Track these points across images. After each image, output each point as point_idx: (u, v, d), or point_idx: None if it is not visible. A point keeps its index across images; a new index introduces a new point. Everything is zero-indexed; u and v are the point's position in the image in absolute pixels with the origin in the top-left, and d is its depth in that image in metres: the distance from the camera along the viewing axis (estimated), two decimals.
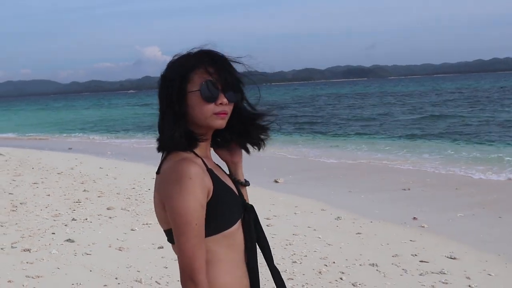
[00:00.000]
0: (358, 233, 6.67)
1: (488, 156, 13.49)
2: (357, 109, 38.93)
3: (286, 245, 6.09)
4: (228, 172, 1.76)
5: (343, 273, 5.13)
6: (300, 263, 5.42)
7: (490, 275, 5.09)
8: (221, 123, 1.57)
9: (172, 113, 1.55)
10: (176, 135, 1.54)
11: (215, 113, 1.55)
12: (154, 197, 1.60)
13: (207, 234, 1.52)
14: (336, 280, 4.95)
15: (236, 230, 1.60)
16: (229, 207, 1.57)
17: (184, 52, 1.60)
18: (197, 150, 1.58)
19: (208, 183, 1.52)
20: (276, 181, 10.81)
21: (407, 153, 14.86)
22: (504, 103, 34.93)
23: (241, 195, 1.69)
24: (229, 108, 1.58)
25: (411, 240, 6.30)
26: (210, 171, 1.55)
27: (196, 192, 1.47)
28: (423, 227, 7.03)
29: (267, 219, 7.34)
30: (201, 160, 1.55)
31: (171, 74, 1.57)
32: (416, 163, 12.79)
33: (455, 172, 11.30)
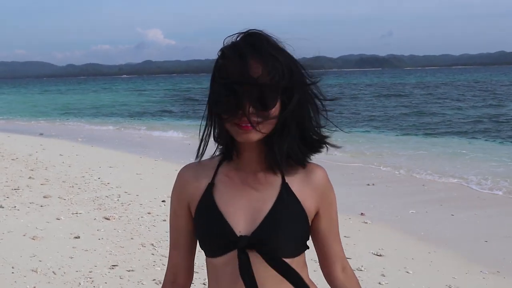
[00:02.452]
0: None
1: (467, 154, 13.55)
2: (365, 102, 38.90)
3: None
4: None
5: None
6: None
7: (408, 272, 5.14)
8: (243, 137, 1.32)
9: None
10: (215, 135, 1.42)
11: (236, 123, 1.31)
12: None
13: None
14: None
15: (223, 266, 1.38)
16: (207, 233, 1.39)
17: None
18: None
19: (192, 195, 1.43)
20: None
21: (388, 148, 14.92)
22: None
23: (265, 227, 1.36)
24: (260, 118, 1.29)
25: (345, 236, 6.34)
26: (209, 185, 1.41)
27: (173, 197, 1.48)
28: (366, 223, 7.08)
29: None
30: (213, 168, 1.44)
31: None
32: (387, 161, 12.82)
33: (428, 171, 11.31)
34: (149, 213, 7.21)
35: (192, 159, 1.48)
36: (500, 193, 9.02)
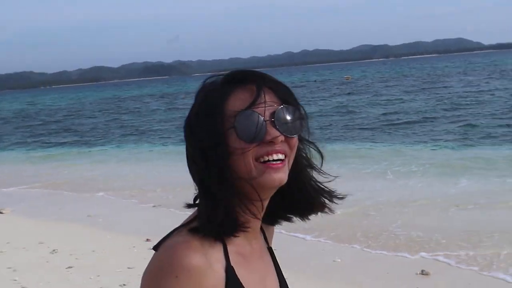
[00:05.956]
0: (70, 267, 6.57)
1: None
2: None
3: None
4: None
5: None
6: None
7: None
8: (276, 178, 1.14)
9: (208, 176, 1.13)
10: (217, 221, 1.12)
11: (262, 160, 1.14)
12: None
13: None
14: None
15: None
16: None
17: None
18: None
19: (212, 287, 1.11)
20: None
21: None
22: None
23: None
24: (288, 149, 1.17)
25: (129, 268, 6.40)
26: (229, 270, 1.12)
27: None
28: (150, 249, 7.22)
29: None
30: (221, 248, 1.14)
31: (204, 106, 1.17)
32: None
33: None
34: None
35: None
36: None
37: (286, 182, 1.16)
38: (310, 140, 1.27)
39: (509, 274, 5.97)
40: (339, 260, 6.69)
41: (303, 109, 1.21)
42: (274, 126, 1.12)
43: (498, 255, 6.49)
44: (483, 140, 16.38)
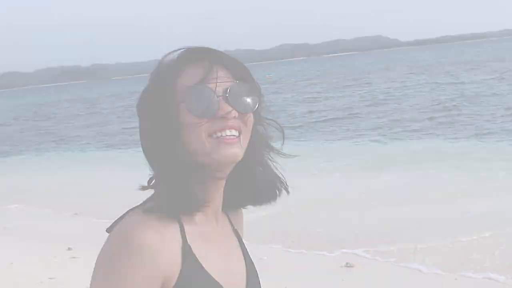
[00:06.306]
0: None
1: None
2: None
3: None
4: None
5: None
6: None
7: None
8: (230, 152, 1.14)
9: (164, 149, 1.14)
10: (172, 199, 1.12)
11: (215, 136, 1.14)
12: None
13: None
14: None
15: None
16: None
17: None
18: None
19: (168, 268, 1.09)
20: None
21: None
22: None
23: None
24: (242, 125, 1.16)
25: (50, 278, 6.27)
26: (185, 248, 1.12)
27: (133, 280, 1.05)
28: (74, 258, 7.13)
29: None
30: (177, 226, 1.12)
31: (156, 82, 1.19)
32: None
33: None
34: None
35: None
36: None
37: (242, 164, 1.19)
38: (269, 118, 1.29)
39: (425, 265, 6.31)
40: (265, 258, 6.80)
41: (259, 87, 1.23)
42: (227, 102, 1.13)
43: (415, 248, 6.82)
44: (406, 133, 17.04)
